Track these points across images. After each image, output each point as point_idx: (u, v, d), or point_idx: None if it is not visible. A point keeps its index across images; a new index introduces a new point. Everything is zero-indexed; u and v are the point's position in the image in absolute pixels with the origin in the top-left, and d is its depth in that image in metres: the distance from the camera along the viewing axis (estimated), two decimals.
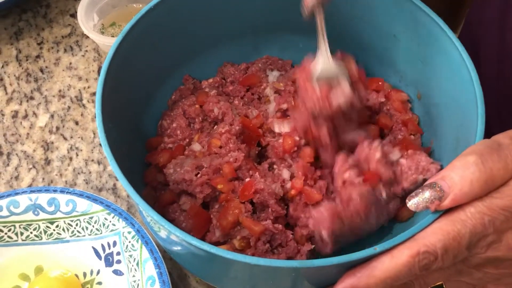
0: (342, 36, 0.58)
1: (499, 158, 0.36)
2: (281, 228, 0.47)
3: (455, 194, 0.36)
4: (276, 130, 0.53)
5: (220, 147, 0.52)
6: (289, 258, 0.46)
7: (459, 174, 0.36)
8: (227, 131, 0.52)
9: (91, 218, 0.51)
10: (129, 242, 0.49)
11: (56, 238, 0.52)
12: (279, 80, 0.60)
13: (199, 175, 0.49)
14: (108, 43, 0.62)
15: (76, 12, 0.76)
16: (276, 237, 0.46)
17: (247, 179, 0.49)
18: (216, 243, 0.47)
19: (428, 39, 0.51)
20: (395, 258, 0.36)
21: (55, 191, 0.52)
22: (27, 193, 0.52)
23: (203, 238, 0.48)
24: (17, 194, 0.52)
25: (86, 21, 0.64)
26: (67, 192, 0.52)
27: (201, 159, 0.50)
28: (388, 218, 0.48)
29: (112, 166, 0.41)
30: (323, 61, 0.48)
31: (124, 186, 0.41)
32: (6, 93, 0.68)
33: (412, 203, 0.38)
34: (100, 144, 0.63)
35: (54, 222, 0.52)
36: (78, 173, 0.61)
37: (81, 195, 0.52)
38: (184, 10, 0.55)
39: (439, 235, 0.36)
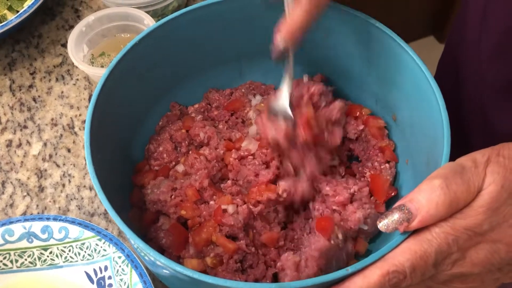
0: (317, 61, 0.62)
1: (462, 181, 0.39)
2: (253, 250, 0.49)
3: (422, 216, 0.39)
4: (243, 145, 0.56)
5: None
6: (256, 280, 0.49)
7: (426, 197, 0.39)
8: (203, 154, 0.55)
9: (83, 244, 0.53)
10: (120, 266, 0.52)
11: (50, 264, 0.55)
12: (260, 102, 0.63)
13: (173, 197, 0.52)
14: (98, 73, 0.65)
15: (67, 42, 0.79)
16: (248, 258, 0.49)
17: (211, 202, 0.51)
18: None
19: (398, 65, 0.53)
20: (367, 278, 0.39)
21: (48, 219, 0.54)
22: (21, 222, 0.54)
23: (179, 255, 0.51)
24: (11, 223, 0.54)
25: (76, 52, 0.67)
26: (59, 220, 0.54)
27: (178, 180, 0.53)
28: (348, 260, 0.50)
29: (100, 197, 0.44)
30: (277, 98, 0.53)
31: (111, 215, 0.43)
32: (0, 123, 0.71)
33: (382, 224, 0.41)
34: None
35: (48, 248, 0.54)
36: (71, 199, 0.64)
37: (73, 222, 0.54)
38: (169, 42, 0.58)
39: (407, 255, 0.39)
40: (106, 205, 0.43)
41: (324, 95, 0.56)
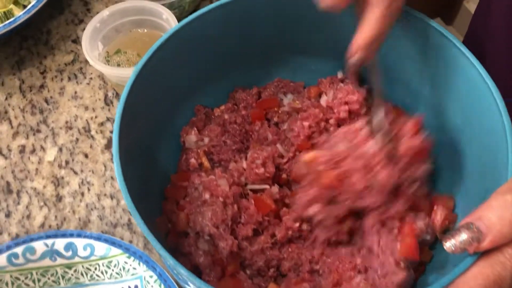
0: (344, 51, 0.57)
1: None
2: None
3: (494, 236, 0.35)
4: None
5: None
6: None
7: (497, 215, 0.35)
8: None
9: (110, 262, 0.50)
10: (151, 286, 0.48)
11: (74, 283, 0.51)
12: (294, 100, 0.59)
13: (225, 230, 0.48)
14: (117, 74, 0.61)
15: (78, 38, 0.74)
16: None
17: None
18: None
19: (445, 61, 0.49)
20: None
21: (71, 235, 0.50)
22: (43, 239, 0.50)
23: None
24: (32, 240, 0.50)
25: (91, 50, 0.62)
26: (84, 236, 0.50)
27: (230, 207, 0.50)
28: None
29: (133, 215, 0.40)
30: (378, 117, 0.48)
31: (146, 235, 0.39)
32: (12, 127, 0.66)
33: (449, 245, 0.37)
34: (112, 178, 0.62)
35: (72, 267, 0.51)
36: (91, 209, 0.60)
37: (98, 238, 0.50)
38: (195, 40, 0.53)
39: (480, 280, 0.35)
40: (142, 229, 0.40)
41: (365, 102, 0.52)
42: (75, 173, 0.63)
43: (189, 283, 0.43)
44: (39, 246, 0.50)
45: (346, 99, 0.53)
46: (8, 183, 0.62)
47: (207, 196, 0.51)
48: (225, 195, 0.50)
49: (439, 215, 0.51)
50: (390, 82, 0.57)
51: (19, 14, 0.66)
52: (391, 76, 0.56)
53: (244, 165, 0.54)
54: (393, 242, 0.47)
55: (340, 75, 0.58)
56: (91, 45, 0.63)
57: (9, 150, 0.64)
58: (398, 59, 0.54)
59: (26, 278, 0.50)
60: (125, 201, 0.41)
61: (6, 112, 0.68)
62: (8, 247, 0.50)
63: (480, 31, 0.75)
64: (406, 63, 0.53)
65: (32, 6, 0.66)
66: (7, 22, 0.65)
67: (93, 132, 0.66)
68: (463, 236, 0.36)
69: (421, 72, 0.53)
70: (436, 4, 2.03)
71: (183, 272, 0.39)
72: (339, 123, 0.54)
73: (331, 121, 0.53)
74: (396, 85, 0.56)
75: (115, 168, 0.43)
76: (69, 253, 0.50)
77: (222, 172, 0.54)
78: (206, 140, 0.57)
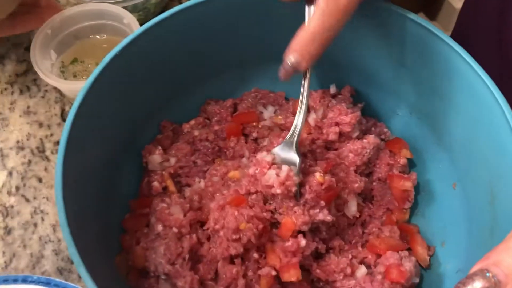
0: (343, 65, 0.51)
1: None
2: None
3: None
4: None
5: None
6: None
7: None
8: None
9: None
10: None
11: None
12: (277, 114, 0.53)
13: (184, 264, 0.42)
14: (72, 88, 0.53)
15: (31, 45, 0.66)
16: None
17: None
18: None
19: (447, 72, 0.43)
20: None
21: (15, 280, 0.43)
22: None
23: None
24: None
25: (41, 60, 0.55)
26: (30, 281, 0.43)
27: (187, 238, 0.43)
28: None
29: (78, 268, 0.33)
30: (283, 145, 0.43)
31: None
32: None
33: None
34: None
35: None
36: (45, 242, 0.52)
37: (48, 283, 0.43)
38: (158, 48, 0.46)
39: None
40: (83, 275, 0.33)
41: (358, 124, 0.46)
42: (27, 200, 0.55)
43: None
44: None
45: (338, 120, 0.47)
46: None
47: (160, 227, 0.45)
48: (179, 224, 0.44)
49: (420, 251, 0.45)
50: (378, 89, 0.51)
51: None
52: (375, 81, 0.50)
53: (202, 185, 0.48)
54: None
55: (333, 89, 0.51)
56: (42, 54, 0.55)
57: None
58: (378, 61, 0.48)
59: None
60: (68, 246, 0.34)
61: None
62: None
63: (467, 29, 0.70)
64: (402, 71, 0.47)
65: None
66: None
67: (48, 153, 0.58)
68: (477, 285, 0.30)
69: (405, 75, 0.47)
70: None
71: None
72: (327, 146, 0.47)
73: (318, 142, 0.47)
74: (380, 90, 0.50)
75: (58, 207, 0.36)
76: None
77: (182, 197, 0.47)
78: (173, 160, 0.50)
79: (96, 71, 0.42)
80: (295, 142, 0.43)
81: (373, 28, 0.47)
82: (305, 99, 0.43)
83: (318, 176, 0.41)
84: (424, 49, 0.44)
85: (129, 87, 0.46)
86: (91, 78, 0.41)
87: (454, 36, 0.77)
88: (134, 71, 0.45)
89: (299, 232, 0.41)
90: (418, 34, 0.44)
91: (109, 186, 0.46)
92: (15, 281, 0.43)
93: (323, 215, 0.42)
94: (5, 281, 0.43)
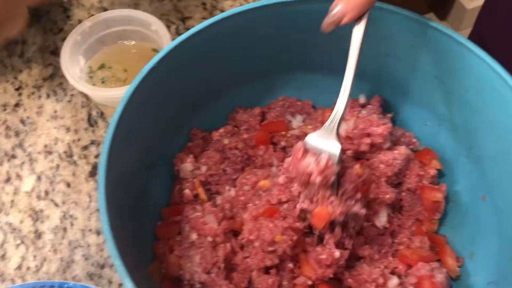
0: (372, 74, 0.51)
1: None
2: None
3: None
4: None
5: None
6: None
7: None
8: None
9: None
10: None
11: None
12: (306, 123, 0.53)
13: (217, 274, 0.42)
14: (102, 95, 0.54)
15: (57, 49, 0.67)
16: None
17: None
18: None
19: (479, 84, 0.43)
20: None
21: (52, 287, 0.44)
22: None
23: None
24: None
25: (71, 67, 0.55)
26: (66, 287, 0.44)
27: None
28: None
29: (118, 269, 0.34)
30: (323, 132, 0.42)
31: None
32: None
33: None
34: (97, 210, 0.55)
35: None
36: (75, 247, 0.53)
37: None
38: (192, 59, 0.47)
39: None
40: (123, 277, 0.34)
41: (389, 135, 0.46)
42: (56, 205, 0.56)
43: None
44: None
45: (369, 131, 0.47)
46: None
47: (194, 236, 0.45)
48: (214, 233, 0.44)
49: (450, 262, 0.46)
50: (407, 100, 0.52)
51: None
52: (405, 92, 0.51)
53: (232, 193, 0.48)
54: None
55: (362, 99, 0.51)
56: (71, 60, 0.56)
57: None
58: (409, 73, 0.48)
59: None
60: (109, 249, 0.34)
61: None
62: None
63: (486, 33, 0.70)
64: (433, 82, 0.47)
65: None
66: None
67: (75, 157, 0.59)
68: None
69: (448, 92, 0.47)
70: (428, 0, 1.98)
71: None
72: (357, 157, 0.48)
73: (348, 152, 0.47)
74: (409, 101, 0.51)
75: (102, 218, 0.36)
76: None
77: (213, 206, 0.48)
78: (204, 168, 0.50)
79: (134, 82, 0.42)
80: (335, 129, 0.41)
81: (404, 39, 0.47)
82: (349, 83, 0.41)
83: (357, 168, 0.41)
84: (456, 62, 0.44)
85: (162, 98, 0.47)
86: (131, 88, 0.42)
87: (472, 38, 0.77)
88: (168, 82, 0.46)
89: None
90: (451, 46, 0.44)
91: (141, 194, 0.47)
92: (51, 287, 0.44)
93: (358, 208, 0.42)
94: (42, 287, 0.44)
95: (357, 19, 0.41)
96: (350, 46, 0.41)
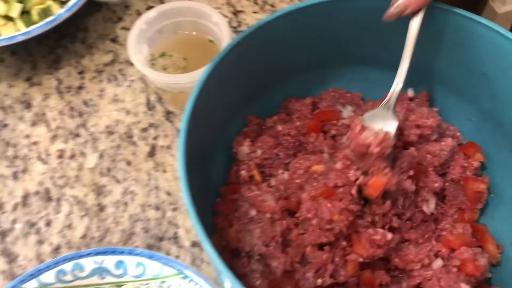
0: (420, 70, 0.54)
1: None
2: None
3: None
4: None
5: None
6: None
7: None
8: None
9: (163, 282, 0.47)
10: None
11: None
12: (356, 114, 0.56)
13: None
14: (168, 80, 0.58)
15: (116, 37, 0.71)
16: None
17: None
18: None
19: None
20: None
21: (122, 252, 0.48)
22: (92, 256, 0.48)
23: None
24: (81, 257, 0.48)
25: (136, 54, 0.59)
26: (135, 254, 0.48)
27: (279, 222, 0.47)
28: None
29: (198, 231, 0.38)
30: (379, 109, 0.46)
31: (216, 263, 0.37)
32: (50, 130, 0.64)
33: None
34: (156, 188, 0.59)
35: (122, 285, 0.48)
36: (135, 221, 0.57)
37: (150, 257, 0.48)
38: (254, 50, 0.50)
39: None
40: (201, 236, 0.37)
41: (437, 127, 0.49)
42: (117, 181, 0.60)
43: None
44: (88, 263, 0.48)
45: (419, 123, 0.50)
46: (47, 190, 0.59)
47: (253, 212, 0.49)
48: (272, 210, 0.48)
49: (491, 248, 0.49)
50: (453, 95, 0.54)
51: (61, 12, 0.63)
52: (456, 90, 0.53)
53: (286, 176, 0.52)
54: (455, 283, 0.45)
55: (410, 93, 0.55)
56: (136, 48, 0.60)
57: (48, 155, 0.62)
58: (458, 69, 0.51)
59: None
60: (191, 218, 0.38)
61: (43, 114, 0.65)
62: (56, 263, 0.47)
63: None
64: (480, 79, 0.50)
65: (74, 4, 0.63)
66: (48, 20, 0.62)
67: (135, 139, 0.63)
68: None
69: (496, 90, 0.50)
70: (458, 3, 1.99)
71: None
72: (405, 146, 0.51)
73: (398, 142, 0.51)
74: (461, 100, 0.54)
75: (181, 180, 0.40)
76: (120, 271, 0.48)
77: (268, 187, 0.51)
78: (259, 152, 0.54)
79: (205, 72, 0.46)
80: (392, 106, 0.46)
81: (454, 36, 0.50)
82: (405, 68, 0.46)
83: (413, 150, 0.45)
84: (504, 59, 0.47)
85: (226, 84, 0.50)
86: (204, 75, 0.45)
87: None
88: (233, 71, 0.49)
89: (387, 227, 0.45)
90: (499, 43, 0.47)
91: (205, 172, 0.51)
92: (121, 253, 0.48)
93: (409, 184, 0.46)
94: (113, 252, 0.48)
95: (415, 12, 0.44)
96: (407, 37, 0.45)
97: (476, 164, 0.52)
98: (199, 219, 0.38)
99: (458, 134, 0.55)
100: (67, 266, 0.47)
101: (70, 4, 0.63)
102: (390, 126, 0.45)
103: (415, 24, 0.45)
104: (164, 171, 0.60)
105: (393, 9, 0.44)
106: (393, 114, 0.46)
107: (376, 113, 0.46)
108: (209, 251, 0.37)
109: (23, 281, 0.47)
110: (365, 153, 0.44)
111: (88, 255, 0.48)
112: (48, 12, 0.66)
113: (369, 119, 0.46)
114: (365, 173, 0.45)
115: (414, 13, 0.45)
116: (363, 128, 0.45)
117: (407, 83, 0.55)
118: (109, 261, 0.48)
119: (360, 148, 0.44)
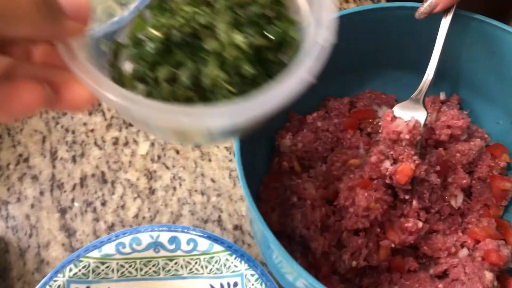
0: (453, 75, 0.58)
1: None
2: None
3: None
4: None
5: None
6: None
7: None
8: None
9: (212, 257, 0.53)
10: (252, 284, 0.51)
11: (173, 275, 0.54)
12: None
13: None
14: None
15: None
16: None
17: None
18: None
19: None
20: None
21: (176, 230, 0.53)
22: (148, 231, 0.53)
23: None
24: (139, 232, 0.53)
25: None
26: (188, 231, 0.53)
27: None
28: None
29: (252, 209, 0.43)
30: (410, 101, 0.51)
31: (271, 242, 0.42)
32: (105, 119, 0.69)
33: None
34: (202, 175, 0.64)
35: (173, 259, 0.53)
36: (183, 204, 0.63)
37: (202, 235, 0.53)
38: None
39: None
40: (261, 224, 0.42)
41: (467, 128, 0.53)
42: (167, 168, 0.65)
43: (297, 281, 0.45)
44: (145, 237, 0.53)
45: (450, 123, 0.54)
46: (103, 173, 0.65)
47: (295, 199, 0.54)
48: (313, 197, 0.53)
49: None
50: (482, 99, 0.58)
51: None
52: (485, 94, 0.57)
53: (324, 168, 0.56)
54: (480, 270, 0.49)
55: (442, 96, 0.59)
56: None
57: (104, 142, 0.68)
58: (488, 75, 0.55)
59: (130, 266, 0.53)
60: (248, 201, 0.43)
61: (99, 104, 0.71)
62: (117, 237, 0.53)
63: None
64: (507, 84, 0.54)
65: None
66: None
67: None
68: None
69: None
70: (487, 12, 2.00)
71: (296, 268, 0.41)
72: (436, 145, 0.55)
73: (429, 141, 0.55)
74: (490, 104, 0.57)
75: (243, 189, 0.45)
76: (173, 246, 0.53)
77: (308, 177, 0.56)
78: (300, 145, 0.59)
79: None
80: (422, 98, 0.51)
81: (485, 45, 0.54)
82: (435, 63, 0.50)
83: (441, 149, 0.50)
84: None
85: None
86: None
87: None
88: None
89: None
90: None
91: (249, 163, 0.56)
92: (176, 230, 0.53)
93: (434, 177, 0.50)
94: (168, 229, 0.53)
95: (445, 12, 0.49)
96: (438, 34, 0.50)
97: (502, 164, 0.55)
98: (250, 192, 0.43)
99: (486, 135, 0.59)
100: (126, 240, 0.53)
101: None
102: (419, 115, 0.49)
103: (445, 23, 0.50)
104: (209, 160, 0.65)
105: (424, 8, 0.48)
106: (422, 105, 0.50)
107: (406, 104, 0.51)
108: (261, 224, 0.42)
109: (87, 250, 0.53)
110: (396, 141, 0.48)
111: (145, 230, 0.53)
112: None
113: (400, 110, 0.50)
114: (395, 161, 0.49)
115: (444, 14, 0.50)
116: (394, 118, 0.49)
117: (439, 87, 0.60)
118: (164, 236, 0.53)
119: (391, 135, 0.49)
